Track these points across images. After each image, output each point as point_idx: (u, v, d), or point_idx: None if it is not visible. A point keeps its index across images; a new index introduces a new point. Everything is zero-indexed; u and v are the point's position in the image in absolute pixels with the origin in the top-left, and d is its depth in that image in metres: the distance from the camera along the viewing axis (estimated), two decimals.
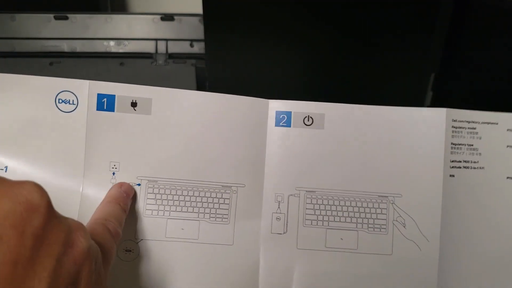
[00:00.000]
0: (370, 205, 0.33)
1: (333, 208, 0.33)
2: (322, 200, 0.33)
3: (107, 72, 0.57)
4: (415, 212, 0.33)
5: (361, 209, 0.33)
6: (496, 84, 0.48)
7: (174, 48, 0.58)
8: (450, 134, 0.34)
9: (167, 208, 0.33)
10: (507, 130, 0.35)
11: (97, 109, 0.33)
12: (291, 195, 0.33)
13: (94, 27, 0.58)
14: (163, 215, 0.33)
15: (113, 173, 0.33)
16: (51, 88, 0.33)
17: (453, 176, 0.33)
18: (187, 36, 0.58)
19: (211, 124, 0.33)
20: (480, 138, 0.34)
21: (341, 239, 0.33)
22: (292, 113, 0.34)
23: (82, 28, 0.58)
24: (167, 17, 0.58)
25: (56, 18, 0.58)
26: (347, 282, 0.33)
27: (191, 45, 0.58)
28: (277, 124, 0.34)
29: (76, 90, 0.33)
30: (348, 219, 0.33)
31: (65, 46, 0.58)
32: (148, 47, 0.58)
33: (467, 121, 0.34)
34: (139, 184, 0.33)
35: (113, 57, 0.58)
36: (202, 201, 0.33)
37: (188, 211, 0.33)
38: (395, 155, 0.33)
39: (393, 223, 0.33)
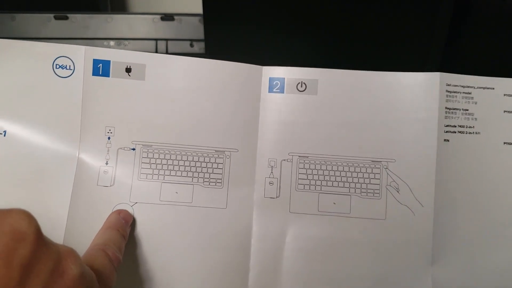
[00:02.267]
0: (363, 170, 0.33)
1: (326, 173, 0.33)
2: (315, 165, 0.33)
3: None
4: (409, 177, 0.33)
5: (354, 174, 0.33)
6: None
7: (174, 48, 0.58)
8: (444, 99, 0.34)
9: (161, 172, 0.34)
10: (504, 95, 0.34)
11: (93, 74, 0.33)
12: (284, 160, 0.34)
13: (94, 27, 0.58)
14: (158, 179, 0.33)
15: (108, 138, 0.34)
16: (49, 54, 0.33)
17: (448, 140, 0.33)
18: (187, 36, 0.58)
19: (204, 90, 0.34)
20: (476, 103, 0.34)
21: (334, 203, 0.33)
22: (286, 79, 0.34)
23: (82, 28, 0.58)
24: (167, 17, 0.58)
25: (56, 18, 0.58)
26: (340, 246, 0.33)
27: (191, 45, 0.58)
28: (270, 91, 0.34)
29: (72, 56, 0.33)
30: (341, 184, 0.33)
31: None
32: (148, 47, 0.58)
33: (462, 86, 0.34)
34: (133, 149, 0.34)
35: None
36: (196, 165, 0.34)
37: (182, 175, 0.33)
38: (388, 120, 0.33)
39: (387, 188, 0.33)
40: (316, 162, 0.33)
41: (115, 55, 0.34)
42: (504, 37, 0.46)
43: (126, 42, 0.58)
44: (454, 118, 0.34)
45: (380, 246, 0.33)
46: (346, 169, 0.33)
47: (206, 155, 0.34)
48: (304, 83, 0.34)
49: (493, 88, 0.34)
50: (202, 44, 0.55)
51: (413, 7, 0.48)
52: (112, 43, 0.58)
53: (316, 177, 0.33)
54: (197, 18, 0.57)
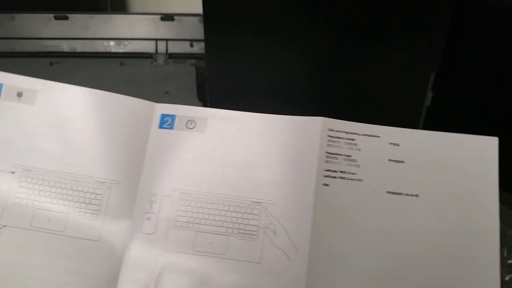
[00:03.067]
0: (243, 210, 0.33)
1: (206, 211, 0.33)
2: (196, 202, 0.33)
3: (107, 72, 0.57)
4: (286, 220, 0.32)
5: (233, 214, 0.33)
6: (496, 84, 0.48)
7: (174, 48, 0.58)
8: (326, 143, 0.33)
9: (37, 198, 0.33)
10: (390, 143, 0.34)
11: None
12: (166, 195, 0.33)
13: (94, 27, 0.58)
14: (32, 205, 0.33)
15: None
16: None
17: (327, 185, 0.32)
18: (187, 36, 0.58)
19: (92, 121, 0.34)
20: (360, 150, 0.33)
21: (210, 243, 0.32)
22: (176, 116, 0.34)
23: (82, 28, 0.58)
24: (167, 17, 0.58)
25: (56, 18, 0.58)
26: None
27: (191, 45, 0.58)
28: (160, 126, 0.34)
29: None
30: (219, 223, 0.33)
31: (65, 46, 0.58)
32: (148, 47, 0.58)
33: (345, 132, 0.34)
34: (13, 172, 0.33)
35: (113, 57, 0.58)
36: (74, 194, 0.33)
37: (58, 203, 0.33)
38: (270, 162, 0.33)
39: (264, 230, 0.32)
40: (197, 199, 0.33)
41: (7, 79, 0.34)
42: (504, 38, 0.46)
43: (126, 42, 0.58)
44: (336, 163, 0.33)
45: None
46: (226, 208, 0.33)
47: (85, 184, 0.33)
48: (193, 120, 0.34)
49: (379, 136, 0.34)
50: (202, 44, 0.55)
51: (413, 7, 0.48)
52: (112, 43, 0.58)
53: (195, 215, 0.33)
54: (197, 18, 0.57)
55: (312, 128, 0.33)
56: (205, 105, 0.56)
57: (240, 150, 0.34)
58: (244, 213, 0.33)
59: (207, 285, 0.31)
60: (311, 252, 0.31)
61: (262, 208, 0.33)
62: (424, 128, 0.55)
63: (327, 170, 0.33)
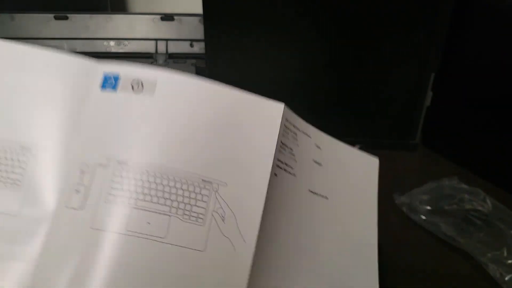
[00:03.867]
0: (191, 188, 0.28)
1: (146, 185, 0.28)
2: (135, 174, 0.28)
3: None
4: (237, 206, 0.28)
5: (180, 191, 0.28)
6: (496, 84, 0.48)
7: (174, 48, 0.58)
8: (282, 132, 0.31)
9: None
10: (315, 145, 0.34)
11: None
12: (100, 164, 0.28)
13: (94, 27, 0.58)
14: None
15: None
16: None
17: (276, 175, 0.30)
18: (187, 36, 0.58)
19: (21, 77, 0.30)
20: (298, 145, 0.33)
21: (148, 223, 0.27)
22: (120, 76, 0.30)
23: (82, 28, 0.58)
24: (167, 17, 0.58)
25: (56, 18, 0.58)
26: (146, 278, 0.27)
27: (191, 45, 0.58)
28: (102, 88, 0.30)
29: None
30: (162, 200, 0.28)
31: (65, 46, 0.58)
32: (148, 47, 0.58)
33: (293, 125, 0.32)
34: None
35: (113, 57, 0.58)
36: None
37: None
38: (227, 139, 0.29)
39: (212, 214, 0.28)
40: (136, 170, 0.28)
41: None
42: (504, 37, 0.46)
43: (126, 42, 0.58)
44: (284, 154, 0.31)
45: (193, 282, 0.27)
46: (171, 183, 0.28)
47: (8, 148, 0.28)
48: (140, 82, 0.30)
49: (310, 137, 0.34)
50: (202, 44, 0.55)
51: (413, 7, 0.48)
52: (112, 43, 0.58)
53: (133, 188, 0.27)
54: (197, 18, 0.57)
55: (276, 113, 0.31)
56: None
57: (194, 121, 0.29)
58: (192, 192, 0.28)
59: (138, 274, 0.26)
60: (258, 244, 0.28)
61: (213, 189, 0.28)
62: (424, 127, 0.55)
63: (279, 160, 0.31)
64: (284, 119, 0.31)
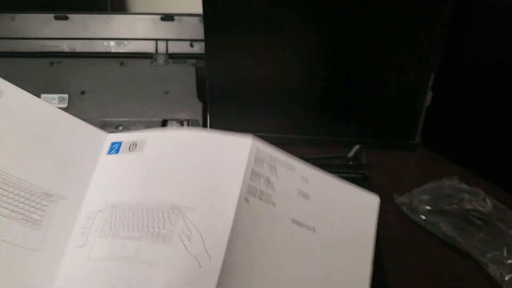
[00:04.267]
0: (160, 214, 0.33)
1: (125, 219, 0.34)
2: (120, 211, 0.34)
3: (107, 72, 0.57)
4: (204, 228, 0.32)
5: (151, 218, 0.33)
6: (496, 84, 0.48)
7: (174, 48, 0.59)
8: (253, 161, 0.35)
9: None
10: (301, 177, 0.36)
11: None
12: (100, 211, 0.35)
13: (94, 27, 0.58)
14: None
15: None
16: None
17: (248, 201, 0.33)
18: (187, 36, 0.58)
19: (56, 137, 0.36)
20: (278, 176, 0.35)
21: (123, 247, 0.33)
22: (122, 142, 0.38)
23: (82, 28, 0.58)
24: (167, 17, 0.58)
25: (56, 18, 0.58)
26: None
27: (191, 45, 0.58)
28: (108, 153, 0.37)
29: None
30: (135, 227, 0.33)
31: (65, 46, 0.58)
32: (148, 47, 0.58)
33: (269, 156, 0.35)
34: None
35: (113, 57, 0.58)
36: (20, 200, 0.33)
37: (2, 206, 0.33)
38: (198, 173, 0.34)
39: (179, 235, 0.32)
40: (123, 208, 0.34)
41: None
42: (504, 37, 0.46)
43: (126, 42, 0.58)
44: (258, 182, 0.34)
45: None
46: (145, 213, 0.33)
47: (34, 192, 0.34)
48: (135, 144, 0.37)
49: (294, 170, 0.36)
50: (202, 44, 0.55)
51: (413, 7, 0.48)
52: (112, 43, 0.58)
53: (117, 222, 0.34)
54: (197, 18, 0.57)
55: (244, 145, 0.35)
56: (205, 105, 0.56)
57: (170, 163, 0.36)
58: (161, 217, 0.33)
59: None
60: (225, 262, 0.30)
61: (182, 213, 0.33)
62: (424, 127, 0.55)
63: (251, 187, 0.34)
64: (255, 150, 0.35)
